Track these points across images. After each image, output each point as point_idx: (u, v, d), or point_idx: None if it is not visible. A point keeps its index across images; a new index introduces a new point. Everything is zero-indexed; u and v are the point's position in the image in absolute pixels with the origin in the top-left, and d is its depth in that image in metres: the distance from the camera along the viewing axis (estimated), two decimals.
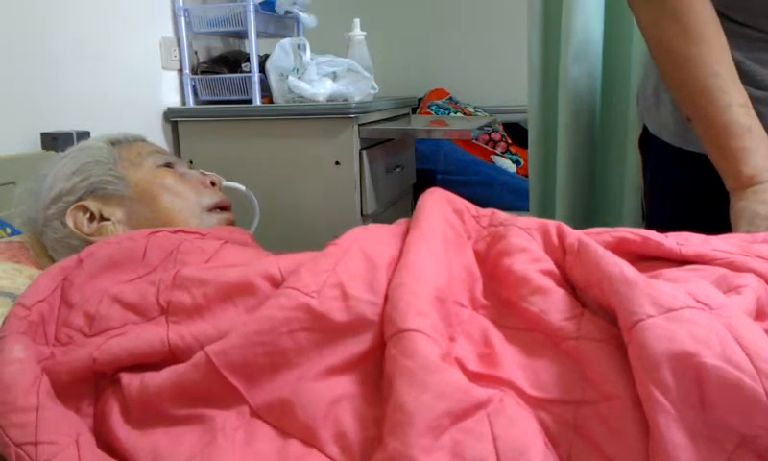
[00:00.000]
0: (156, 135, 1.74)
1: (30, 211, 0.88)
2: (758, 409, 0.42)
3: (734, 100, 0.76)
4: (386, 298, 0.56)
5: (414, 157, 2.18)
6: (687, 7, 0.77)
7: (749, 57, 0.84)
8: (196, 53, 1.87)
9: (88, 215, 0.84)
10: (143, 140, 0.98)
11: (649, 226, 1.03)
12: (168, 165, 0.93)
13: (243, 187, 1.07)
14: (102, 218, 0.84)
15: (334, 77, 1.67)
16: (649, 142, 1.02)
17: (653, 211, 1.04)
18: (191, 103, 1.82)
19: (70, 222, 0.83)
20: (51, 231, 0.85)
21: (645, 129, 1.04)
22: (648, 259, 0.67)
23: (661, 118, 0.97)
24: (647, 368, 0.45)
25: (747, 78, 0.78)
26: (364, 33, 1.87)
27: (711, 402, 0.43)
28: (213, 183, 0.95)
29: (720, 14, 0.79)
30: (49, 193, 0.85)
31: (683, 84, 0.80)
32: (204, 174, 0.96)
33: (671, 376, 0.44)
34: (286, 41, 1.69)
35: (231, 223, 0.93)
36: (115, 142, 0.94)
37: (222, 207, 0.93)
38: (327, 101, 1.62)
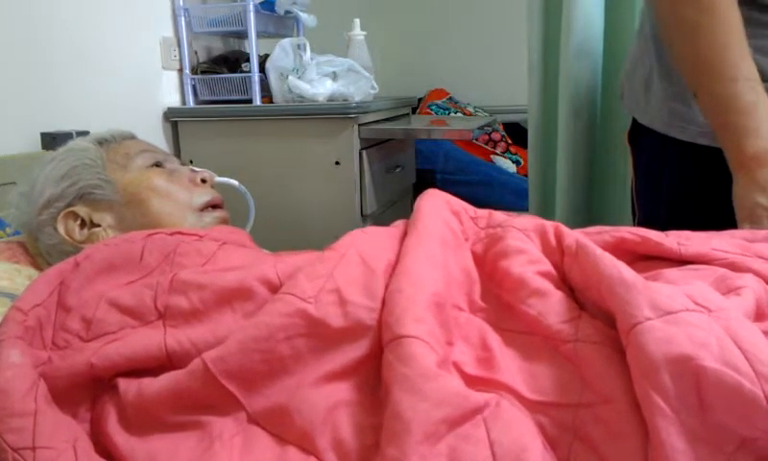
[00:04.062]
0: (156, 135, 1.74)
1: (23, 216, 0.88)
2: (757, 412, 0.42)
3: (742, 74, 0.74)
4: (383, 303, 0.56)
5: (414, 157, 2.18)
6: None
7: (749, 44, 0.83)
8: (196, 53, 1.87)
9: (79, 221, 0.84)
10: (132, 137, 0.97)
11: (645, 220, 1.01)
12: (157, 164, 0.91)
13: (236, 182, 1.06)
14: (92, 224, 0.84)
15: (334, 77, 1.66)
16: (640, 135, 1.01)
17: (648, 204, 1.02)
18: (191, 103, 1.82)
19: (61, 229, 0.82)
20: (45, 237, 0.84)
21: (634, 122, 1.02)
22: (647, 259, 0.67)
23: (652, 109, 0.95)
24: (645, 371, 0.45)
25: None
26: (364, 33, 1.87)
27: (710, 405, 0.43)
28: (204, 180, 0.93)
29: None
30: (39, 198, 0.85)
31: (690, 54, 0.78)
32: (194, 171, 0.94)
33: (670, 380, 0.44)
34: (286, 41, 1.69)
35: (225, 221, 0.91)
36: (102, 141, 0.92)
37: (214, 205, 0.91)
38: (327, 101, 1.62)
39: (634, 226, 0.91)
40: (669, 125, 0.93)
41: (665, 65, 0.92)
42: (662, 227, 0.70)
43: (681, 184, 0.94)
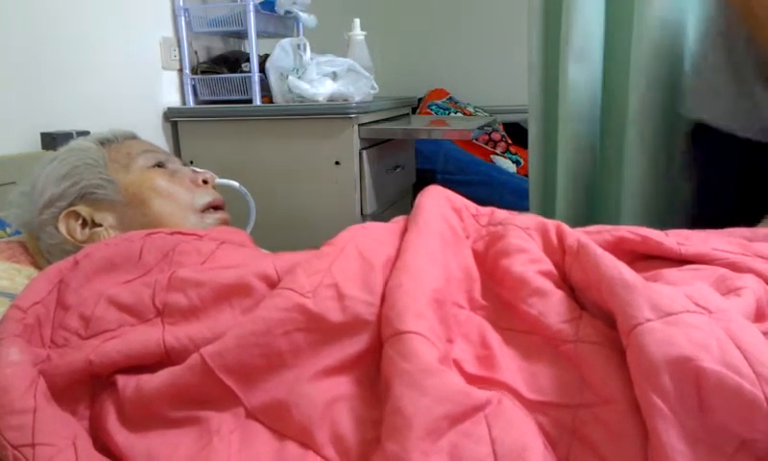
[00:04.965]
0: (157, 135, 1.74)
1: (25, 214, 0.87)
2: (758, 414, 0.42)
3: None
4: (383, 298, 0.56)
5: (414, 157, 2.18)
6: None
7: None
8: (196, 53, 1.87)
9: (80, 221, 0.83)
10: (134, 137, 0.97)
11: (707, 216, 1.01)
12: (159, 165, 0.91)
13: (236, 184, 1.06)
14: (94, 224, 0.84)
15: (334, 77, 1.66)
16: (704, 135, 1.02)
17: (714, 204, 1.03)
18: (191, 103, 1.82)
19: (62, 229, 0.82)
20: (46, 237, 0.84)
21: (697, 123, 1.03)
22: (647, 258, 0.66)
23: (719, 108, 0.97)
24: (646, 372, 0.45)
25: None
26: (364, 33, 1.87)
27: (710, 407, 0.43)
28: (206, 182, 0.93)
29: None
30: (41, 198, 0.85)
31: None
32: (196, 172, 0.94)
33: (670, 381, 0.44)
34: (286, 41, 1.69)
35: (226, 222, 0.91)
36: (104, 141, 0.92)
37: (215, 207, 0.91)
38: (327, 101, 1.62)
39: (692, 224, 0.91)
40: (737, 124, 0.94)
41: (734, 64, 0.93)
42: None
43: (747, 181, 0.95)
